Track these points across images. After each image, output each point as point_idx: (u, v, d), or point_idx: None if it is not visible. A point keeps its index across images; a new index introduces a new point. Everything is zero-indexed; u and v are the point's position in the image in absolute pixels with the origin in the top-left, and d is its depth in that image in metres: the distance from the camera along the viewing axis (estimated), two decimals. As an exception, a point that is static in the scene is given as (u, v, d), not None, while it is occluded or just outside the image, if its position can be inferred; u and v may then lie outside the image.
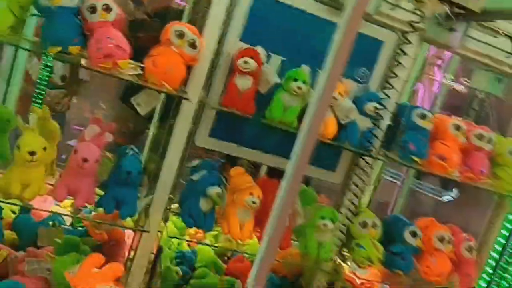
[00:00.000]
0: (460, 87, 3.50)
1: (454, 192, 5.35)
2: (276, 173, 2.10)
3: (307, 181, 2.32)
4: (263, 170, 2.68)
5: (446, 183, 5.12)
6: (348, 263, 2.05)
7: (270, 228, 1.01)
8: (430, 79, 3.78)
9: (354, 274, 2.41)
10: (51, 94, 3.18)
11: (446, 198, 5.40)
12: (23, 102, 2.63)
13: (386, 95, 1.87)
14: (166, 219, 1.82)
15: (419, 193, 5.06)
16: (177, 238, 2.09)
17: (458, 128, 1.96)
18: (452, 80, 3.51)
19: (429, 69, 3.84)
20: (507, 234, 2.16)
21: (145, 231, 1.71)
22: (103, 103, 4.25)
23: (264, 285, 1.02)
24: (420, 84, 3.82)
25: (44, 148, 1.51)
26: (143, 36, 2.35)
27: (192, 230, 2.36)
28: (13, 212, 2.08)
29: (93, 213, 1.90)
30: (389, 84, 1.88)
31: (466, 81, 3.53)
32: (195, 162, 1.89)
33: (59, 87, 3.20)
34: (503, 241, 2.17)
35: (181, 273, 2.05)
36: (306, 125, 0.99)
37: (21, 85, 2.51)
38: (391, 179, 3.62)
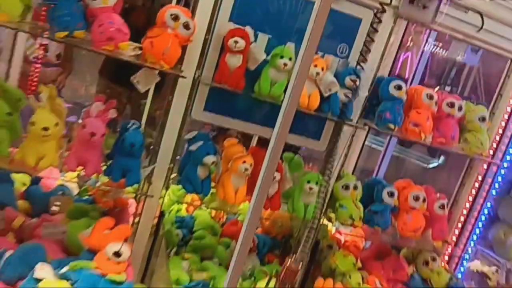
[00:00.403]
0: (442, 55, 3.67)
1: (441, 159, 5.60)
2: (265, 143, 2.30)
3: (294, 150, 2.50)
4: (254, 141, 2.87)
5: (434, 151, 5.36)
6: (333, 222, 2.27)
7: (258, 187, 1.20)
8: (417, 48, 3.94)
9: (339, 232, 2.63)
10: (47, 72, 3.31)
11: (432, 165, 5.66)
12: (22, 81, 2.77)
13: (363, 68, 2.04)
14: (167, 187, 2.01)
15: (408, 161, 5.29)
16: (178, 202, 2.27)
17: (430, 97, 2.15)
18: (435, 48, 3.67)
19: (417, 39, 3.99)
20: (474, 192, 2.38)
21: (149, 195, 1.90)
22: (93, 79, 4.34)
23: (253, 235, 1.22)
24: (409, 53, 3.98)
25: (56, 124, 1.67)
26: (135, 18, 2.49)
27: (190, 198, 2.56)
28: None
29: (98, 183, 2.08)
30: (365, 58, 2.05)
31: (446, 50, 3.70)
32: (192, 134, 2.06)
33: (54, 65, 3.33)
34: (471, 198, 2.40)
35: (181, 235, 2.25)
36: (287, 95, 1.16)
37: (21, 65, 2.64)
38: (377, 147, 3.83)
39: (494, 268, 2.48)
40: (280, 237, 2.54)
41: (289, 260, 1.74)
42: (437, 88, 3.14)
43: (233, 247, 2.28)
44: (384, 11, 1.98)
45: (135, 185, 1.94)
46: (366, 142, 3.40)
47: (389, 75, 2.20)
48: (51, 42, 2.92)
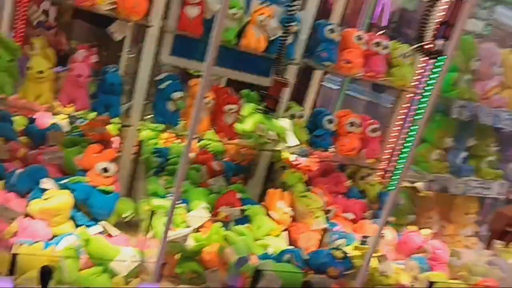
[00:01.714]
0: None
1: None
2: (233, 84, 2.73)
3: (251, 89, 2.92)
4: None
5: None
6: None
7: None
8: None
9: (297, 160, 3.11)
10: (47, 34, 3.61)
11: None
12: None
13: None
14: (143, 119, 2.43)
15: (380, 105, 5.73)
16: (155, 130, 2.68)
17: (360, 38, 2.57)
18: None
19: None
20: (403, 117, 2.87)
21: (129, 125, 2.33)
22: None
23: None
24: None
25: (49, 68, 2.07)
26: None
27: (166, 135, 3.00)
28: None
29: (85, 121, 2.50)
30: (304, 6, 2.45)
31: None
32: (162, 75, 2.46)
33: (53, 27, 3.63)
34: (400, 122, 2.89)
35: (158, 162, 2.71)
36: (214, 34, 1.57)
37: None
38: (333, 87, 4.24)
39: (421, 183, 2.99)
40: (244, 163, 3.02)
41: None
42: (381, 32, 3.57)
43: (202, 171, 2.75)
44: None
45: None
46: (334, 86, 3.81)
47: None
48: (51, 8, 3.19)
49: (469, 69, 2.78)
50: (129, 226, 2.30)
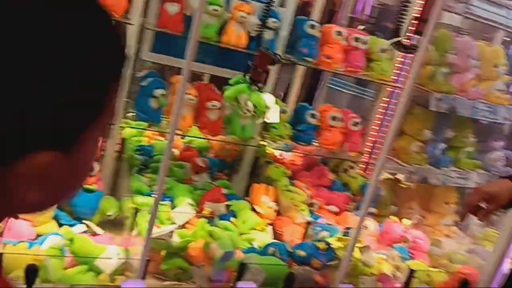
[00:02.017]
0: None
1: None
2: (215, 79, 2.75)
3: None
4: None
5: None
6: (267, 141, 2.76)
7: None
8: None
9: (281, 156, 3.14)
10: None
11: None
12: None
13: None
14: (125, 117, 2.43)
15: (365, 99, 5.77)
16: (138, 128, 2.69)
17: (340, 33, 2.61)
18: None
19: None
20: (384, 111, 2.92)
21: (111, 124, 2.33)
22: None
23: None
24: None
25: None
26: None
27: (149, 132, 3.01)
28: None
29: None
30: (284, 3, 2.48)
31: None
32: (144, 72, 2.47)
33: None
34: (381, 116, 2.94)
35: (142, 159, 2.71)
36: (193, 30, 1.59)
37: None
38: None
39: (402, 175, 3.05)
40: (229, 158, 3.04)
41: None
42: (362, 27, 3.61)
43: (186, 167, 2.76)
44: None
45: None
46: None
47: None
48: None
49: (446, 62, 2.84)
50: (113, 224, 2.30)
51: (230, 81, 2.47)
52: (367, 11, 4.14)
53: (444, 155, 3.05)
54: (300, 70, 3.21)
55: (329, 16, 3.65)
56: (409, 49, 1.81)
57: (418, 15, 1.74)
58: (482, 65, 2.99)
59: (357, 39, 2.64)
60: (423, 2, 1.74)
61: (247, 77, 2.42)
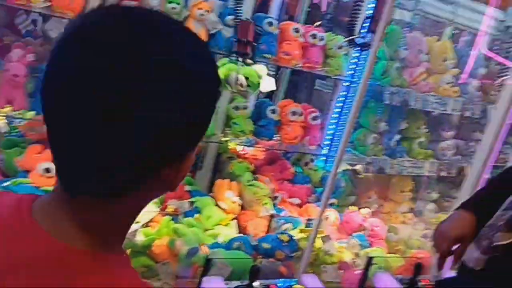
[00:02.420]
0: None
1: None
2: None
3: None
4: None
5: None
6: (230, 137, 2.80)
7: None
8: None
9: (244, 151, 3.19)
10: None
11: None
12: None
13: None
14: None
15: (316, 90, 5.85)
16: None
17: (297, 31, 2.67)
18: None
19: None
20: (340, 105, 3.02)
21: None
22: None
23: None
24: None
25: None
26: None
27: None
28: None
29: (24, 121, 2.44)
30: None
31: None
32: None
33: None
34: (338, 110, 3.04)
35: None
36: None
37: None
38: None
39: (360, 166, 3.18)
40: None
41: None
42: (318, 23, 3.70)
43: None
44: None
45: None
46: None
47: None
48: None
49: (398, 58, 2.97)
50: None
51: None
52: (323, 7, 4.24)
53: (398, 146, 3.19)
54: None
55: (287, 10, 3.72)
56: (363, 47, 1.90)
57: (371, 14, 1.83)
58: (431, 59, 3.15)
59: (314, 36, 2.72)
60: (375, 2, 1.83)
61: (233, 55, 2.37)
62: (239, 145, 2.90)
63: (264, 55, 2.60)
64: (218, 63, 2.46)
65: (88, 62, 0.55)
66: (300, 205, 2.86)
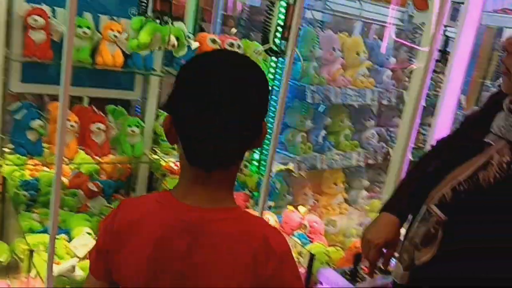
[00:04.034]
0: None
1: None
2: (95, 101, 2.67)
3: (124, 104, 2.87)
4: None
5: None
6: (159, 155, 2.77)
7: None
8: None
9: (176, 164, 3.16)
10: None
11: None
12: None
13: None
14: (2, 155, 2.28)
15: None
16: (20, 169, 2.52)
17: (214, 41, 2.70)
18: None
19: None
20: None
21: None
22: None
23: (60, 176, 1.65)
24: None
25: None
26: None
27: (31, 165, 2.82)
28: None
29: None
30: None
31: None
32: (15, 105, 2.32)
33: None
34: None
35: (28, 195, 2.55)
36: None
37: None
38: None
39: (292, 165, 3.26)
40: (123, 178, 2.98)
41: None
42: (235, 30, 3.74)
43: (80, 195, 2.66)
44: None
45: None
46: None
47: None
48: None
49: (314, 57, 3.09)
50: (7, 270, 2.16)
51: (132, 26, 2.24)
52: (236, 11, 4.30)
53: (326, 141, 3.32)
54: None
55: (202, 15, 3.73)
56: (278, 53, 1.96)
57: (282, 24, 1.90)
58: (345, 54, 3.30)
59: (231, 44, 2.76)
60: (285, 10, 1.89)
61: (153, 14, 2.17)
62: (170, 162, 2.87)
63: (184, 69, 2.59)
64: (133, 24, 2.27)
65: (222, 84, 0.88)
66: (239, 212, 2.89)
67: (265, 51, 2.12)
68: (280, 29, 2.25)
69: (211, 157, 0.90)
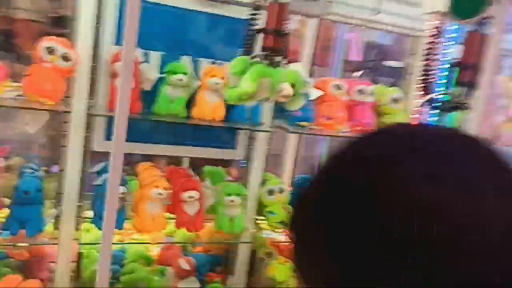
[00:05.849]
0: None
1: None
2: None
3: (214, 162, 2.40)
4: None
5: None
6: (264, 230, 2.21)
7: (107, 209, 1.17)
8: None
9: (274, 241, 2.56)
10: None
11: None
12: None
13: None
14: (77, 227, 1.89)
15: None
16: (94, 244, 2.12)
17: (338, 87, 2.12)
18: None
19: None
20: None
21: (53, 243, 1.78)
22: None
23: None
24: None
25: None
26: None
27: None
28: None
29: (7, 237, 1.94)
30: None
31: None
32: (99, 166, 1.95)
33: None
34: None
35: (110, 272, 2.13)
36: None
37: None
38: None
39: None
40: (221, 252, 2.46)
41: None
42: (360, 73, 3.14)
43: (168, 273, 2.19)
44: (258, 8, 1.88)
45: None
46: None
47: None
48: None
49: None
50: None
51: (232, 70, 1.72)
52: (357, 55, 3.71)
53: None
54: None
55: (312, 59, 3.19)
56: (451, 108, 1.33)
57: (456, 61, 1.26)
58: None
59: (361, 92, 2.15)
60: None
61: (257, 55, 1.63)
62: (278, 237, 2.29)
63: (299, 123, 2.04)
64: (234, 67, 1.73)
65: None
66: None
67: (427, 102, 1.47)
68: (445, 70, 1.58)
69: None
